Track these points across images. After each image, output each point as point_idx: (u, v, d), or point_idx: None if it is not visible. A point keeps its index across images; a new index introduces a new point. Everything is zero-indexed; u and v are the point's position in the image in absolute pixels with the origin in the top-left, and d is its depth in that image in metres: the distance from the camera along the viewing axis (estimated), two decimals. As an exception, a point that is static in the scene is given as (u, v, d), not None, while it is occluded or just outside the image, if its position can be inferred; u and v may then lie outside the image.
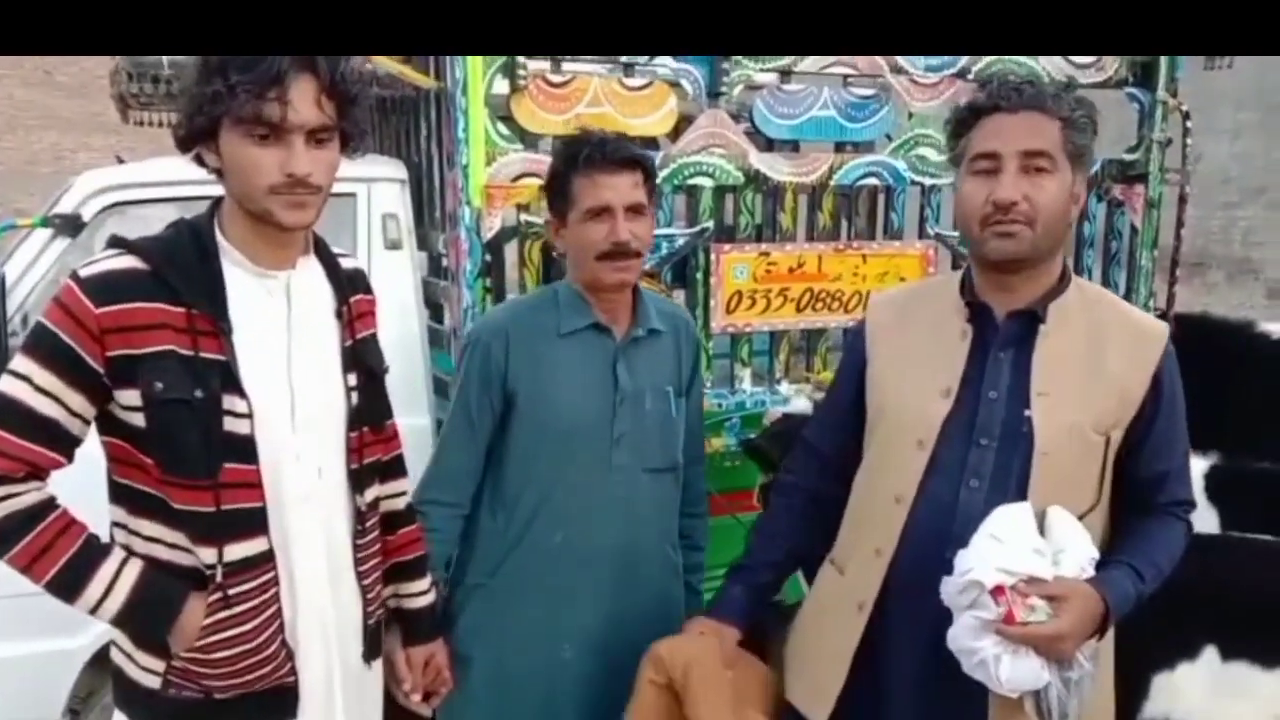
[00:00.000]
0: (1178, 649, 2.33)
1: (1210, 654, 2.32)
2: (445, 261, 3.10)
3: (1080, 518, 1.72)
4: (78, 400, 1.52)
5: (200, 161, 1.63)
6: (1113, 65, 3.63)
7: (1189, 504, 1.87)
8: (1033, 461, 1.72)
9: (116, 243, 1.58)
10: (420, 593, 1.99)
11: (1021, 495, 1.71)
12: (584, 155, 2.09)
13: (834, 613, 1.90)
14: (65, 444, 1.55)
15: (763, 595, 2.09)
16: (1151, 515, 1.82)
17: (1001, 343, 1.78)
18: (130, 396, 1.52)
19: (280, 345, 1.64)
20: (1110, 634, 1.76)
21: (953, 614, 1.65)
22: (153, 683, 1.63)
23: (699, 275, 3.18)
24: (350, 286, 1.77)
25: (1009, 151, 1.70)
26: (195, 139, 1.58)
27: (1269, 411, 3.78)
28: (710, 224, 3.18)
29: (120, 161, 3.43)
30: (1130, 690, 1.91)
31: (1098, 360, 1.76)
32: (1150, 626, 1.70)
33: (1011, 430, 1.74)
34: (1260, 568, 2.44)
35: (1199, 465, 3.01)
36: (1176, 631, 2.16)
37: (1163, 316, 3.89)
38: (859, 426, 1.95)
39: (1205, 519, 2.92)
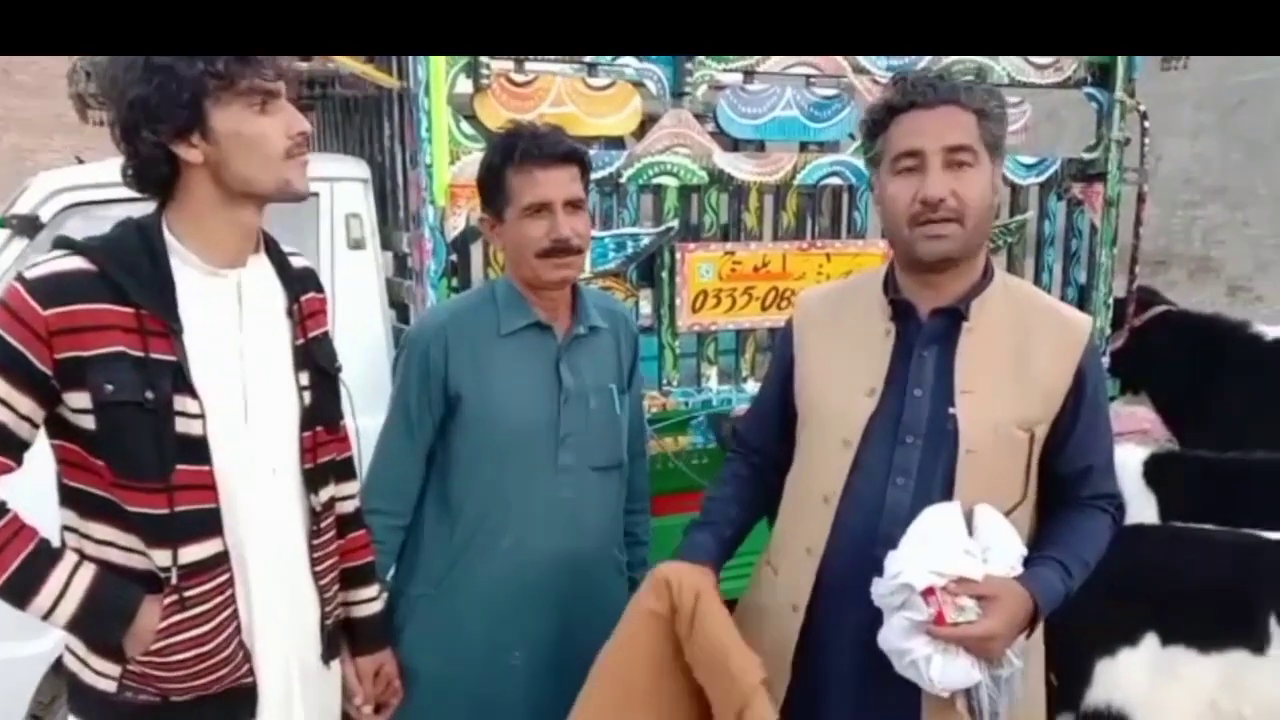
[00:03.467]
0: (1119, 635, 2.38)
1: (1150, 640, 2.38)
2: (410, 261, 3.09)
3: (1007, 514, 1.72)
4: (26, 404, 1.50)
5: (144, 179, 1.60)
6: (1071, 65, 3.67)
7: (1113, 497, 1.87)
8: (958, 459, 1.71)
9: (62, 243, 1.55)
10: (369, 599, 1.97)
11: (948, 493, 1.71)
12: (520, 149, 2.04)
13: (771, 613, 1.89)
14: (13, 448, 1.52)
15: (727, 544, 2.00)
16: (1077, 510, 1.82)
17: (925, 340, 1.78)
18: (80, 399, 1.50)
19: (232, 345, 1.63)
20: (1040, 629, 1.77)
21: (883, 614, 1.65)
22: (108, 687, 1.61)
23: (665, 274, 3.19)
24: (300, 285, 1.76)
25: (932, 148, 1.68)
26: (178, 134, 1.54)
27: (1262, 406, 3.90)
28: (675, 223, 3.19)
29: (80, 162, 3.39)
30: (1074, 677, 1.95)
31: (1022, 355, 1.76)
32: (1093, 614, 1.72)
33: (936, 428, 1.73)
34: (1199, 556, 2.50)
35: (1138, 453, 3.09)
36: (1118, 618, 2.20)
37: (1120, 307, 3.97)
38: (790, 424, 1.94)
39: (1144, 505, 2.99)
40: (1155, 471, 3.08)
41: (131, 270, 1.53)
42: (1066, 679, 1.94)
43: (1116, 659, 2.38)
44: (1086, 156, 3.78)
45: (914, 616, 1.60)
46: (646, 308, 3.38)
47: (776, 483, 1.97)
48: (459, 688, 2.13)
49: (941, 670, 1.60)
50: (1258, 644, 2.33)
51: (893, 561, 1.64)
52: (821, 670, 1.82)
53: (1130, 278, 4.00)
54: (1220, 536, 2.56)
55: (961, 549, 1.63)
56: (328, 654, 1.81)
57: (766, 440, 2.02)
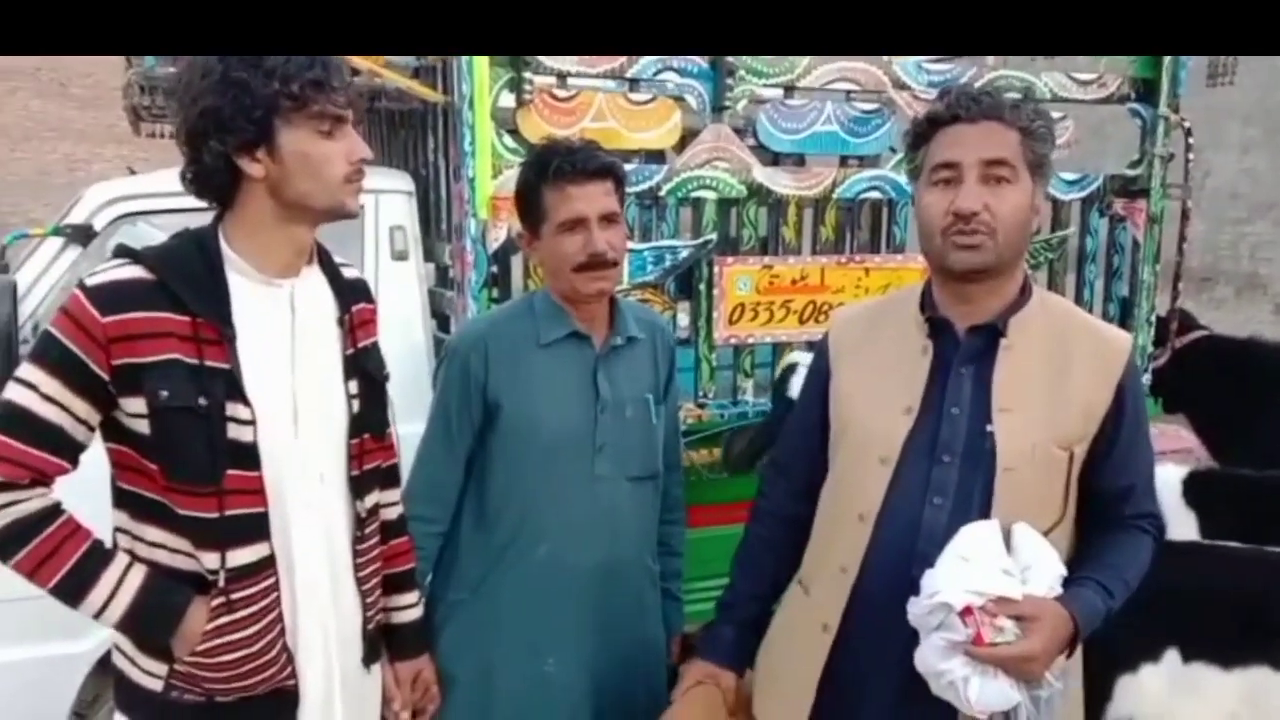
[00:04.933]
0: (1141, 651, 2.38)
1: (1172, 656, 2.38)
2: (452, 272, 3.13)
3: (1045, 533, 1.69)
4: (83, 408, 1.54)
5: (203, 185, 1.64)
6: (1115, 81, 3.64)
7: (1155, 517, 1.84)
8: (996, 478, 1.69)
9: (122, 252, 1.60)
10: (409, 605, 2.00)
11: (985, 512, 1.69)
12: (554, 167, 2.07)
13: (800, 633, 1.87)
14: (70, 450, 1.57)
15: (754, 630, 2.03)
16: (1118, 530, 1.80)
17: (962, 358, 1.76)
18: (135, 404, 1.55)
19: (284, 353, 1.67)
20: (1079, 649, 1.73)
21: (919, 634, 1.63)
22: (155, 685, 1.65)
23: (702, 287, 3.20)
24: (352, 295, 1.79)
25: (969, 161, 1.67)
26: (244, 147, 1.58)
27: None
28: (714, 236, 3.20)
29: (132, 173, 3.47)
30: (1095, 692, 1.93)
31: (1060, 374, 1.74)
32: (1115, 629, 1.70)
33: (974, 447, 1.72)
34: (1221, 572, 2.49)
35: (1177, 472, 3.06)
36: (1140, 634, 2.20)
37: (1162, 325, 3.93)
38: (826, 442, 1.92)
39: (1184, 524, 2.97)
40: (1194, 490, 3.05)
41: (188, 279, 1.58)
42: (1088, 694, 1.93)
43: (1138, 674, 2.37)
44: (1130, 172, 3.75)
45: (952, 637, 1.58)
46: (684, 320, 3.40)
47: (810, 521, 1.94)
48: (494, 694, 2.15)
49: (979, 692, 1.57)
50: (1278, 661, 2.31)
51: (930, 581, 1.62)
52: (854, 691, 1.80)
53: (1174, 294, 3.96)
54: (1243, 553, 2.55)
55: (1000, 568, 1.61)
56: (369, 658, 1.85)
57: (805, 460, 1.97)
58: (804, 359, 3.11)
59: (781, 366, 3.20)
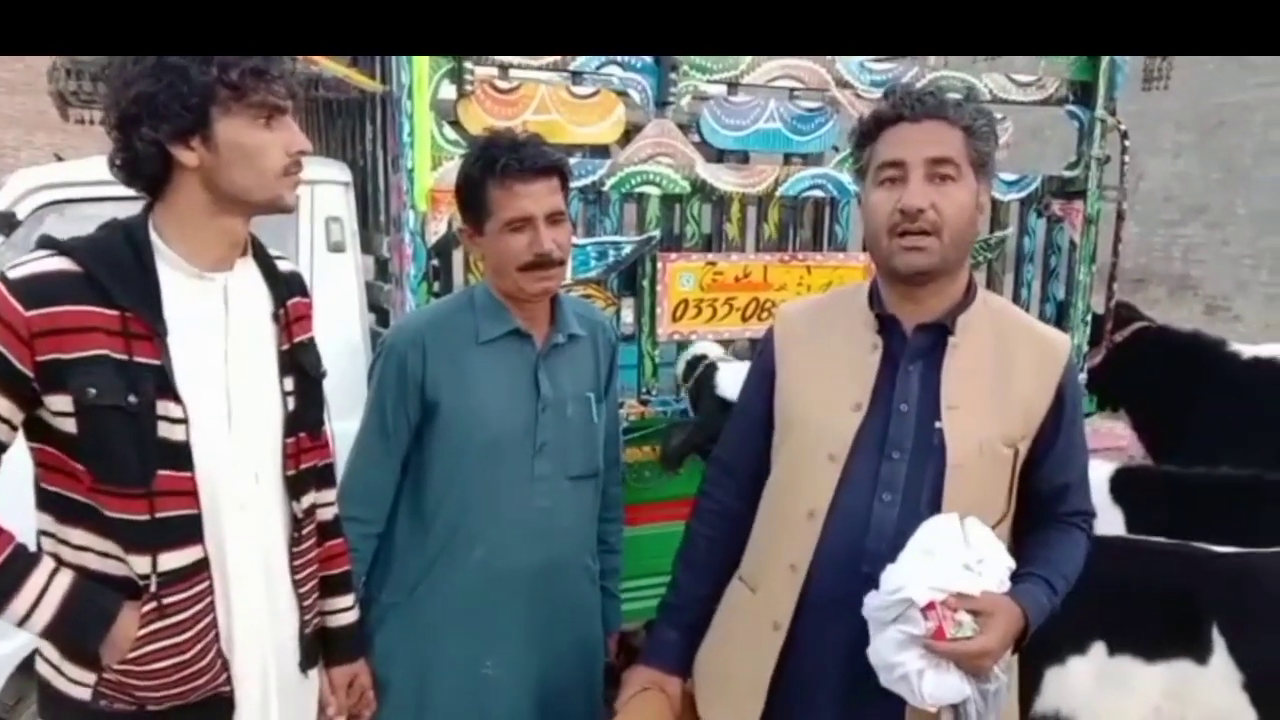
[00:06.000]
0: (1069, 643, 2.42)
1: (1098, 648, 2.42)
2: (391, 265, 3.09)
3: (990, 529, 1.71)
4: (5, 406, 1.48)
5: (133, 174, 1.58)
6: (1053, 83, 3.70)
7: (1089, 514, 1.88)
8: (945, 474, 1.71)
9: (47, 243, 1.53)
10: (345, 609, 1.95)
11: (934, 508, 1.70)
12: (501, 164, 2.02)
13: (749, 633, 1.86)
14: None
15: (698, 632, 2.00)
16: (1054, 527, 1.83)
17: (910, 356, 1.77)
18: (61, 402, 1.49)
19: (217, 349, 1.62)
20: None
21: (870, 628, 1.64)
22: (82, 695, 1.59)
23: (646, 283, 3.19)
24: (287, 289, 1.74)
25: (915, 159, 1.68)
26: (179, 135, 1.53)
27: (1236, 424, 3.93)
28: (657, 233, 3.19)
29: (59, 159, 3.37)
30: (1024, 685, 1.96)
31: (1004, 373, 1.76)
32: (1044, 622, 1.73)
33: (923, 443, 1.73)
34: (1147, 567, 2.54)
35: (1105, 468, 3.12)
36: (1068, 627, 2.23)
37: (1098, 324, 4.00)
38: (770, 438, 1.91)
39: (1111, 519, 3.03)
40: (1122, 486, 3.11)
41: (117, 272, 1.52)
42: (1017, 686, 1.97)
43: (1066, 666, 2.41)
44: (1067, 174, 3.81)
45: (911, 631, 1.59)
46: (628, 316, 3.39)
47: (752, 522, 1.94)
48: (431, 698, 2.12)
49: (933, 685, 1.59)
50: (1201, 654, 2.37)
51: (892, 575, 1.62)
52: (801, 689, 1.80)
53: (1109, 295, 4.03)
54: (1167, 548, 2.60)
55: (961, 564, 1.62)
56: (306, 663, 1.80)
57: (751, 458, 1.95)
58: (714, 351, 3.15)
59: (686, 359, 3.22)
